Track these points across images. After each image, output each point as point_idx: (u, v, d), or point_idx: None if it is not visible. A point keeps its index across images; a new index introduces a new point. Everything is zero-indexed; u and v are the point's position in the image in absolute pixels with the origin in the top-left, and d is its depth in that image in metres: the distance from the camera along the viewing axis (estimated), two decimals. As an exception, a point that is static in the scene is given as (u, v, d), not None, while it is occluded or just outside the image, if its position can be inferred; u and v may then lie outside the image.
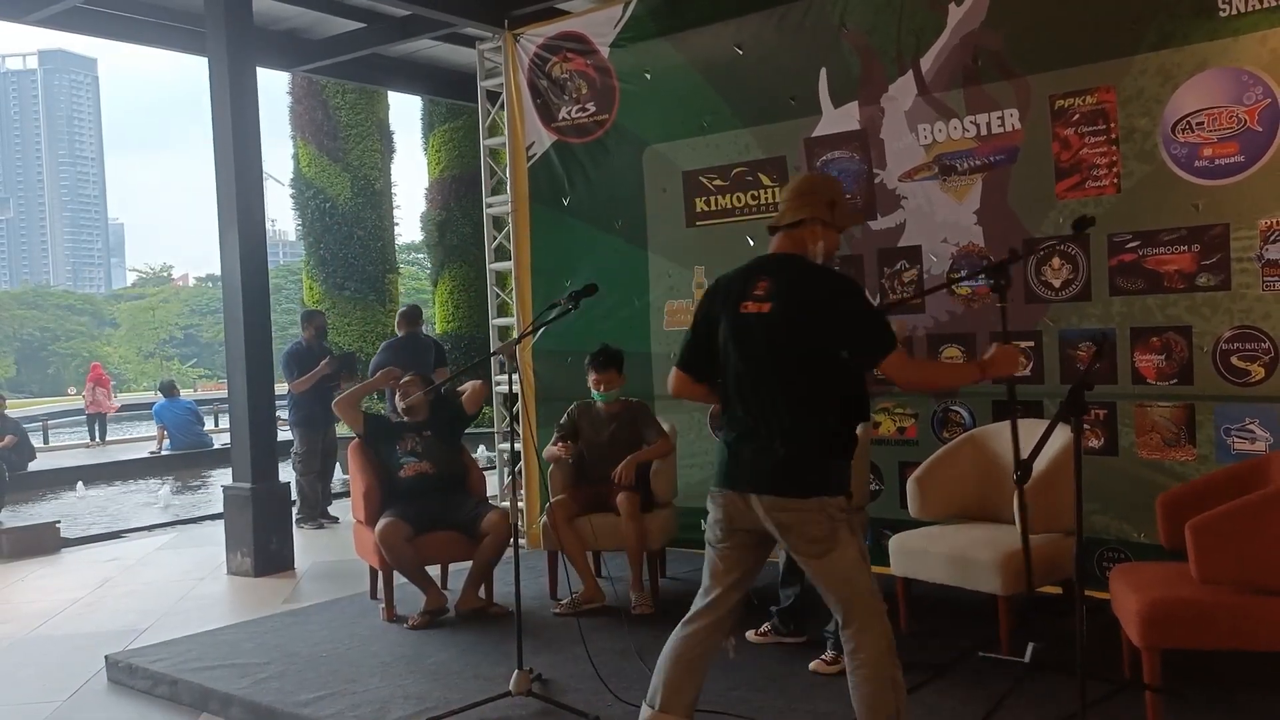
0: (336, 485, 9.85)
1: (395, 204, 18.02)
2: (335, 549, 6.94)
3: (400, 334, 8.08)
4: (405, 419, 5.19)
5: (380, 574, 4.95)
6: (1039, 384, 4.69)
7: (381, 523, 4.76)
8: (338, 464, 11.67)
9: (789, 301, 2.66)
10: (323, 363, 7.67)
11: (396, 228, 18.50)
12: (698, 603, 2.82)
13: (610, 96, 6.04)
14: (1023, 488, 3.01)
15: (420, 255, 34.98)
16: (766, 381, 2.67)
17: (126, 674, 4.35)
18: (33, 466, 12.52)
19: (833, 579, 2.66)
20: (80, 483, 12.02)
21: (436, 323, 17.23)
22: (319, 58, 7.87)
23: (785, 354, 2.65)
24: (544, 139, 6.36)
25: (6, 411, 11.88)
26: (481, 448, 11.85)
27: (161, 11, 7.07)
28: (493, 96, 6.82)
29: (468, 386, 5.33)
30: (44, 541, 7.44)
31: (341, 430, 14.96)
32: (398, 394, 5.21)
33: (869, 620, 2.65)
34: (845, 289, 2.72)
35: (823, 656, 3.84)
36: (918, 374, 2.90)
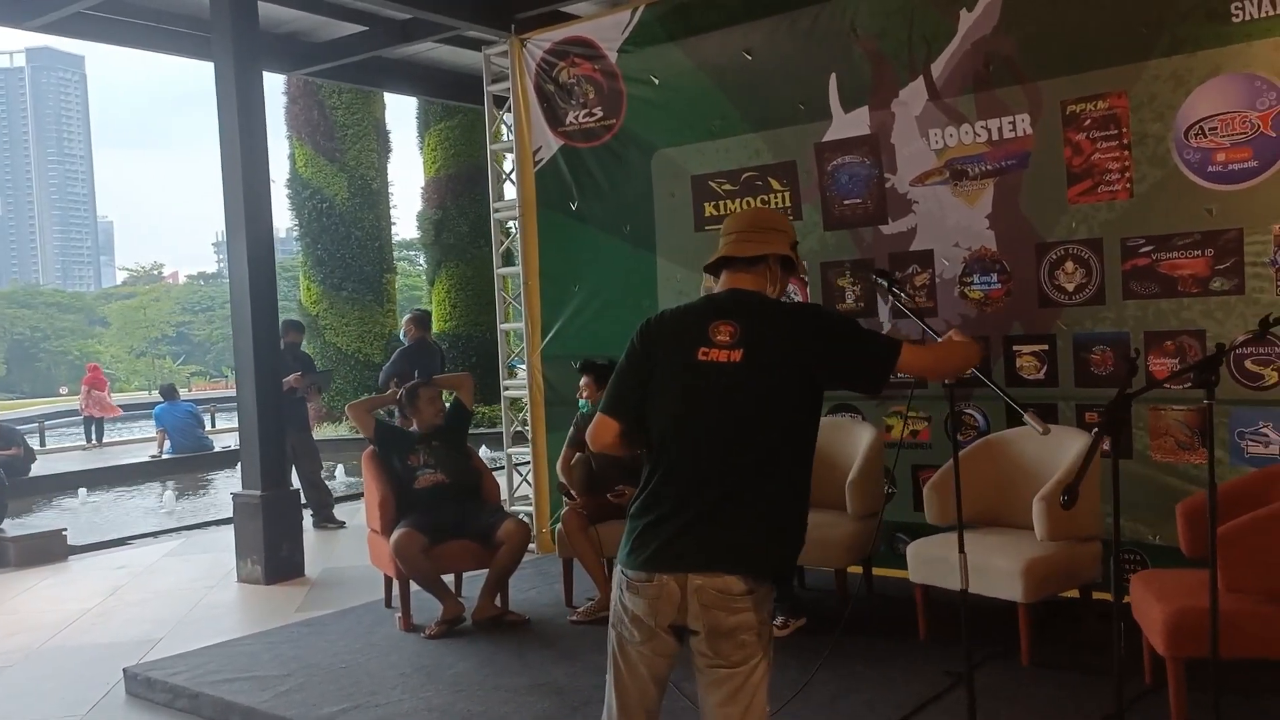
0: (338, 489, 9.83)
1: (392, 203, 18.02)
2: (343, 554, 6.94)
3: (410, 340, 8.05)
4: (415, 429, 5.20)
5: (396, 583, 4.95)
6: (1053, 387, 4.72)
7: (397, 533, 4.76)
8: (340, 467, 11.61)
9: (767, 349, 2.23)
10: (290, 377, 7.50)
11: (394, 227, 18.50)
12: None
13: (618, 101, 6.03)
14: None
15: (412, 253, 34.91)
16: (733, 440, 2.20)
17: (145, 687, 4.35)
18: (33, 471, 12.46)
19: (743, 694, 2.17)
20: (83, 489, 11.97)
21: (434, 322, 17.23)
22: (320, 60, 7.85)
23: (761, 410, 2.22)
24: (551, 144, 6.35)
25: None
26: (484, 447, 11.84)
27: (165, 16, 7.03)
28: (499, 101, 6.80)
29: (460, 382, 5.50)
30: (51, 549, 7.40)
31: (331, 433, 14.80)
32: (417, 406, 5.20)
33: None
34: (823, 318, 2.37)
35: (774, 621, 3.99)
36: (933, 358, 2.49)
